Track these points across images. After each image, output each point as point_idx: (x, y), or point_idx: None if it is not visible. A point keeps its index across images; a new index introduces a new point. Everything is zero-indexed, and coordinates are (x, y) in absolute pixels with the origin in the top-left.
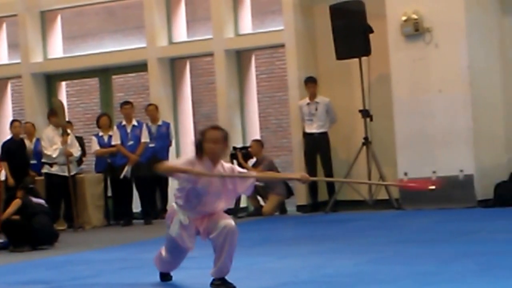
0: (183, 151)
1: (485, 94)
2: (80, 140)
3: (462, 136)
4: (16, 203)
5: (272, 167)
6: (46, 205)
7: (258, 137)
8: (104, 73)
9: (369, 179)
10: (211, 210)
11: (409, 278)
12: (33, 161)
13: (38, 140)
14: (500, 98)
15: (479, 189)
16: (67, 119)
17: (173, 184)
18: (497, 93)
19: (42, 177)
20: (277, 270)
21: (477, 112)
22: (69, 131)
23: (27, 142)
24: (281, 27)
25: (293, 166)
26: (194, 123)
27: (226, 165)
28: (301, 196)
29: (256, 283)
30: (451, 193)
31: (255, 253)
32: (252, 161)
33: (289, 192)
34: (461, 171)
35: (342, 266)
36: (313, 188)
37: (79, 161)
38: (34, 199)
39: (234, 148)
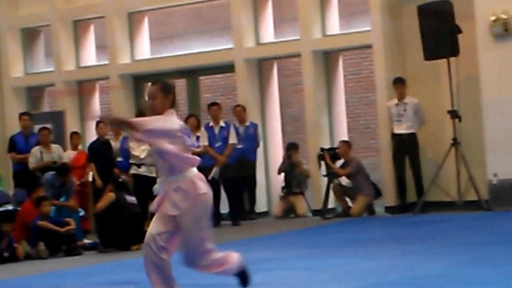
0: (271, 152)
1: None
2: None
3: None
4: (109, 197)
5: (359, 168)
6: (136, 203)
7: (346, 138)
8: (191, 74)
9: (458, 180)
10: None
11: (498, 280)
12: (119, 159)
13: (124, 138)
14: None
15: None
16: None
17: (260, 185)
18: None
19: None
20: (365, 271)
21: None
22: None
23: (113, 141)
24: (369, 28)
25: (381, 168)
26: (282, 124)
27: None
28: (389, 197)
29: (343, 284)
30: None
31: (343, 254)
32: (339, 162)
33: (377, 193)
34: None
35: (430, 268)
36: (401, 189)
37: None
38: (128, 197)
39: (322, 149)
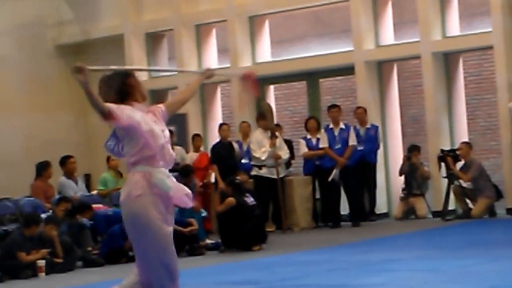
0: (391, 154)
1: None
2: (288, 143)
3: None
4: (229, 202)
5: (481, 171)
6: (256, 204)
7: (466, 139)
8: (311, 77)
9: None
10: None
11: None
12: (244, 161)
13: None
14: None
15: None
16: (275, 122)
17: (380, 187)
18: None
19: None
20: (485, 273)
21: None
22: (277, 134)
23: (242, 142)
24: (490, 29)
25: (502, 169)
26: (402, 125)
27: None
28: (511, 199)
29: (464, 286)
30: None
31: (463, 256)
32: (460, 164)
33: (498, 195)
34: None
35: None
36: None
37: (288, 164)
38: (248, 200)
39: (442, 150)
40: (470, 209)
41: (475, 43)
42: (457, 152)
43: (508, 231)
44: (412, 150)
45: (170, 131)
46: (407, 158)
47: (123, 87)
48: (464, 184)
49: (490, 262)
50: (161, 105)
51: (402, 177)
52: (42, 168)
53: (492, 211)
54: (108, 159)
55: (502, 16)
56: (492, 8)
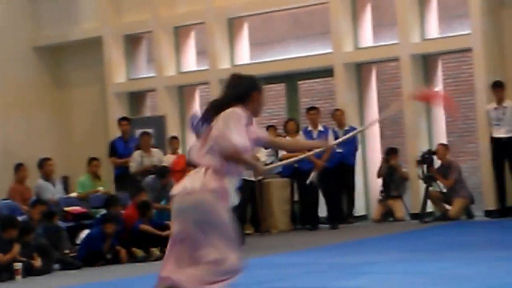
0: (370, 156)
1: None
2: None
3: None
4: None
5: (460, 173)
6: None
7: (444, 141)
8: (290, 79)
9: None
10: None
11: None
12: None
13: None
14: None
15: None
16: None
17: (359, 189)
18: None
19: None
20: (464, 276)
21: None
22: None
23: None
24: (469, 31)
25: (479, 171)
26: (381, 128)
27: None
28: (489, 201)
29: None
30: None
31: (442, 259)
32: (437, 164)
33: (471, 199)
34: None
35: None
36: (501, 193)
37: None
38: None
39: (424, 153)
40: (447, 210)
41: (454, 46)
42: (433, 153)
43: (486, 233)
44: (390, 153)
45: (147, 133)
46: (385, 161)
47: (247, 97)
48: (443, 189)
49: (469, 265)
50: (264, 134)
51: (381, 180)
52: (15, 170)
53: (469, 213)
54: (90, 162)
55: (481, 18)
56: (471, 11)
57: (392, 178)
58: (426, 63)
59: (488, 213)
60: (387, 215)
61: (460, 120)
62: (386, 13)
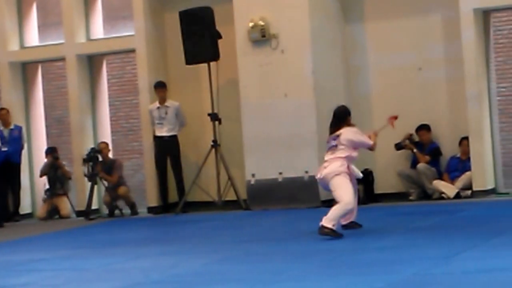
0: (36, 154)
1: (329, 98)
2: None
3: (307, 139)
4: None
5: (120, 169)
6: None
7: (109, 140)
8: None
9: (218, 181)
10: None
11: (257, 276)
12: None
13: None
14: (343, 103)
15: (323, 190)
16: None
17: (25, 187)
18: (341, 98)
19: None
20: (128, 270)
21: (321, 115)
22: None
23: None
24: (132, 33)
25: (143, 169)
26: (47, 126)
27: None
28: (152, 198)
29: (107, 284)
30: (297, 193)
31: (107, 255)
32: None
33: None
34: (306, 172)
35: (192, 266)
36: (163, 190)
37: None
38: None
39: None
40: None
41: (118, 46)
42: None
43: (149, 229)
44: (50, 152)
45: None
46: (49, 159)
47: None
48: (107, 184)
49: (133, 260)
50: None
51: (45, 178)
52: None
53: (134, 210)
54: None
55: (144, 20)
56: (135, 12)
57: (57, 176)
58: (92, 63)
59: (151, 210)
60: (53, 213)
61: (124, 119)
62: (52, 13)
